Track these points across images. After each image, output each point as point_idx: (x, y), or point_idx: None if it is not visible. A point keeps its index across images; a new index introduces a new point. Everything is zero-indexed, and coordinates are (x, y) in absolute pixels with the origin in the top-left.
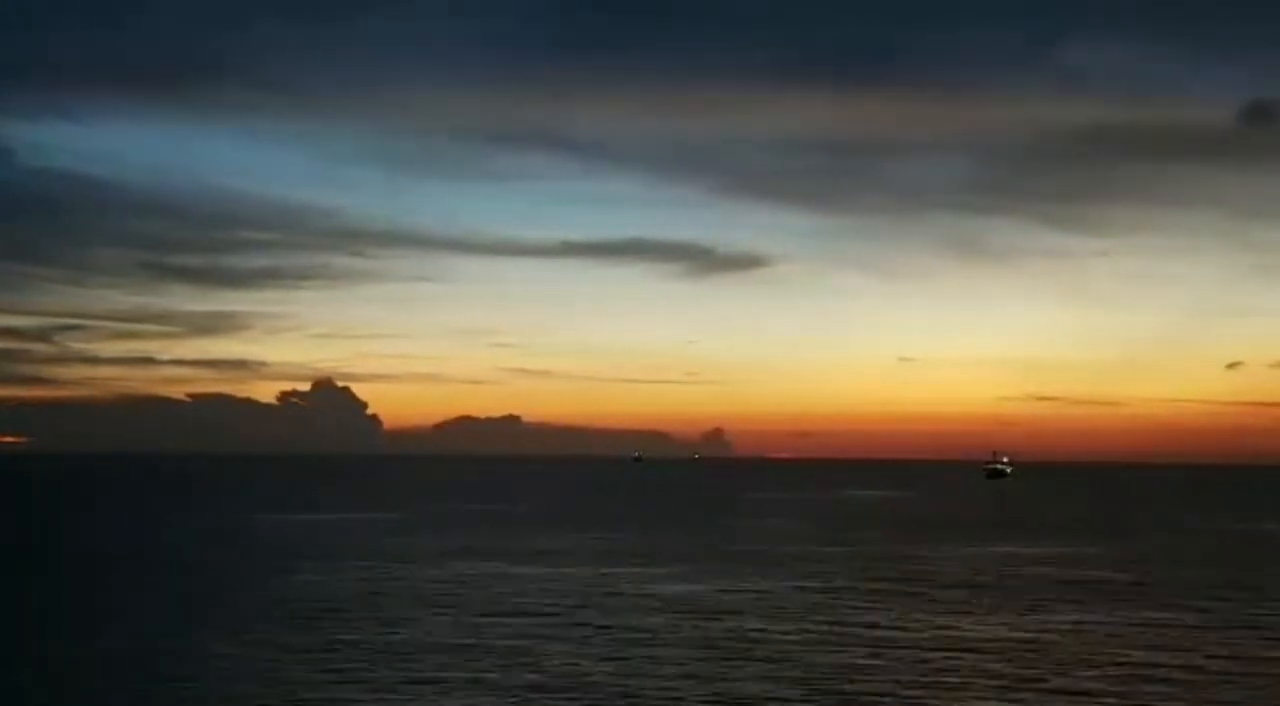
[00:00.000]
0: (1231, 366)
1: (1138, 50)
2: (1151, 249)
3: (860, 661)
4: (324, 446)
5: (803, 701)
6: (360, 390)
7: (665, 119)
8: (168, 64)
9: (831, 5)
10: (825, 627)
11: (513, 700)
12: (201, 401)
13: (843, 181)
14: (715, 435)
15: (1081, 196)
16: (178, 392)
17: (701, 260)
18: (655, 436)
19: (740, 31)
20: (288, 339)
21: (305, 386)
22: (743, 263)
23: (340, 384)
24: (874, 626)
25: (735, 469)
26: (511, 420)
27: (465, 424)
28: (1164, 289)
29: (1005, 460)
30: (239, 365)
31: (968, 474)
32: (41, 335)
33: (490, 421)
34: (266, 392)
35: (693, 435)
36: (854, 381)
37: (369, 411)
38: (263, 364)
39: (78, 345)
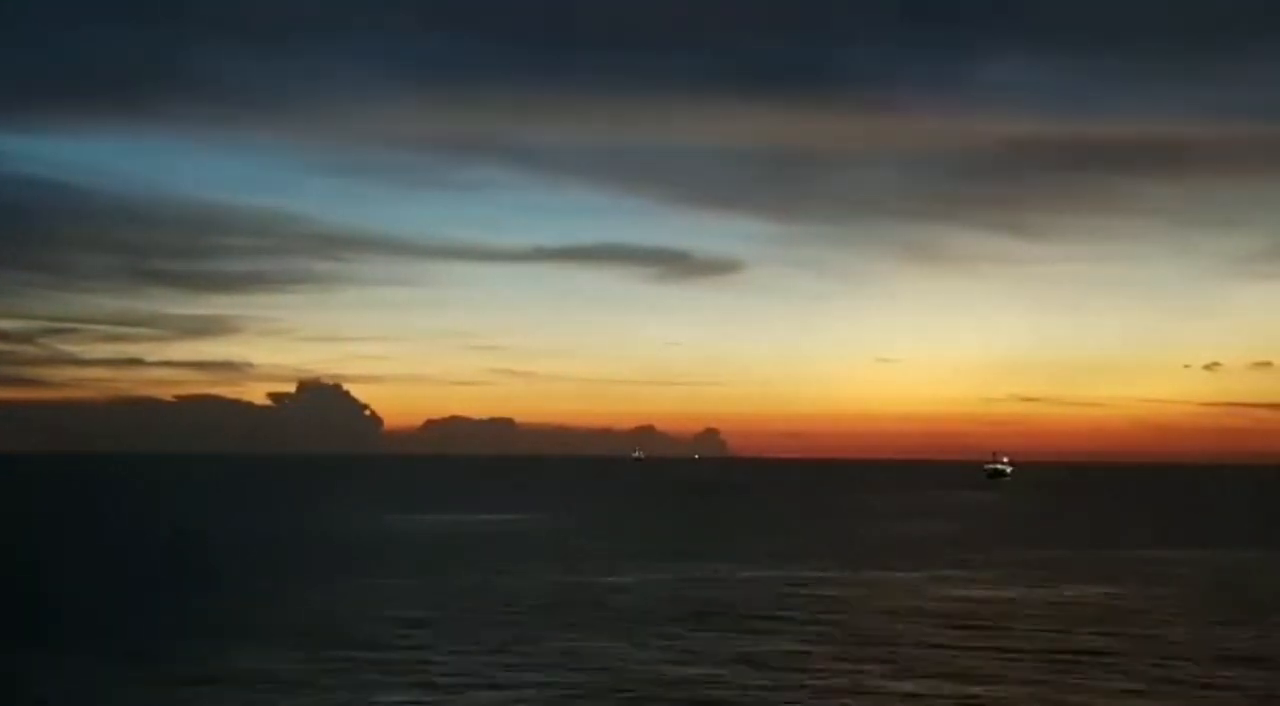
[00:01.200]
0: (1209, 367)
1: (1057, 67)
2: (1097, 255)
3: None
4: (319, 446)
5: None
6: (352, 391)
7: (617, 132)
8: (130, 79)
9: (770, 25)
10: None
11: None
12: (191, 402)
13: (792, 190)
14: (709, 435)
15: (1018, 204)
16: (166, 394)
17: (677, 264)
18: (647, 436)
19: (685, 49)
20: (274, 341)
21: (294, 387)
22: (717, 267)
23: (330, 383)
24: None
25: (742, 469)
26: (505, 421)
27: (456, 425)
28: (1119, 292)
29: (1005, 460)
30: (228, 367)
31: (969, 473)
32: (27, 337)
33: (483, 422)
34: (255, 393)
35: (684, 435)
36: (835, 382)
37: (369, 412)
38: (251, 365)
39: (65, 347)
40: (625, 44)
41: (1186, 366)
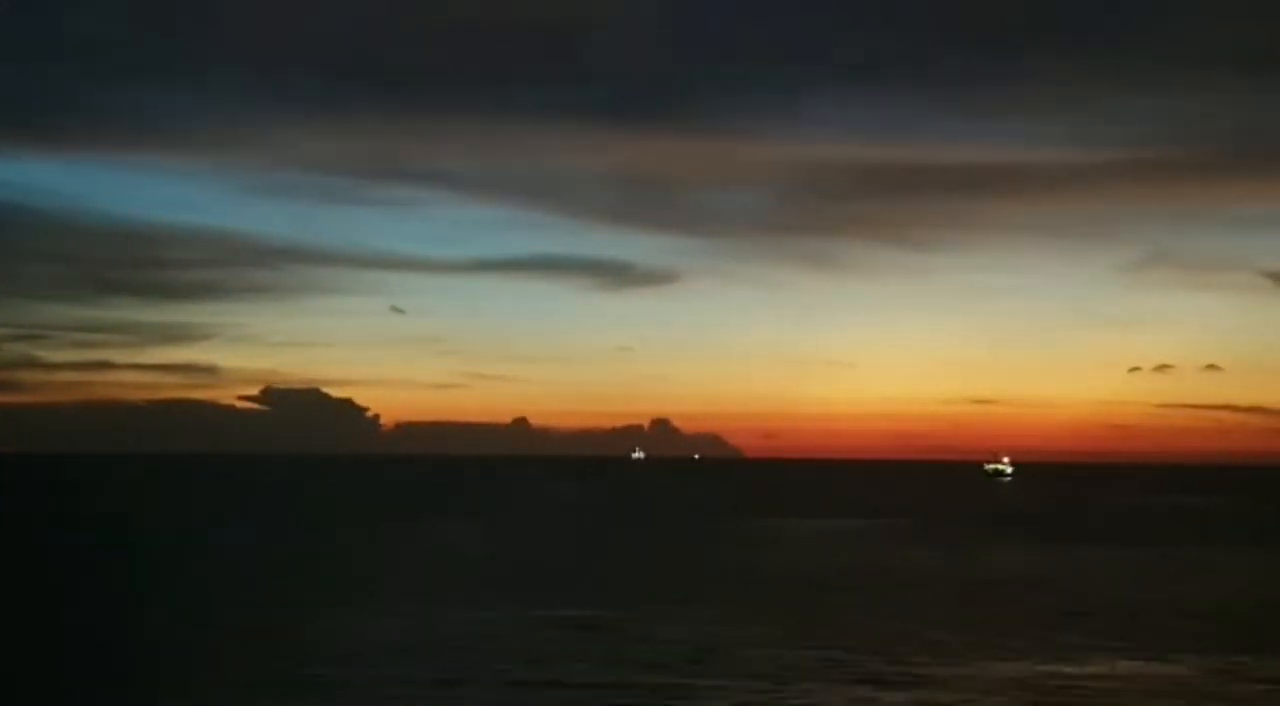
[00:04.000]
0: (1159, 369)
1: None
2: (990, 265)
3: None
4: (296, 448)
5: None
6: (325, 393)
7: (514, 157)
8: (49, 112)
9: (635, 66)
10: None
11: None
12: (161, 405)
13: (682, 209)
14: (709, 435)
15: (889, 220)
16: (136, 397)
17: (615, 274)
18: (638, 436)
19: (564, 82)
20: (240, 346)
21: (261, 389)
22: (653, 277)
23: (302, 387)
24: None
25: (750, 469)
26: (499, 422)
27: (444, 427)
28: (1026, 298)
29: (1006, 460)
30: (195, 369)
31: (947, 474)
32: None
33: (475, 424)
34: (226, 396)
35: (678, 435)
36: (792, 384)
37: (346, 413)
38: (218, 369)
39: (35, 353)
40: (518, 80)
41: (1135, 369)
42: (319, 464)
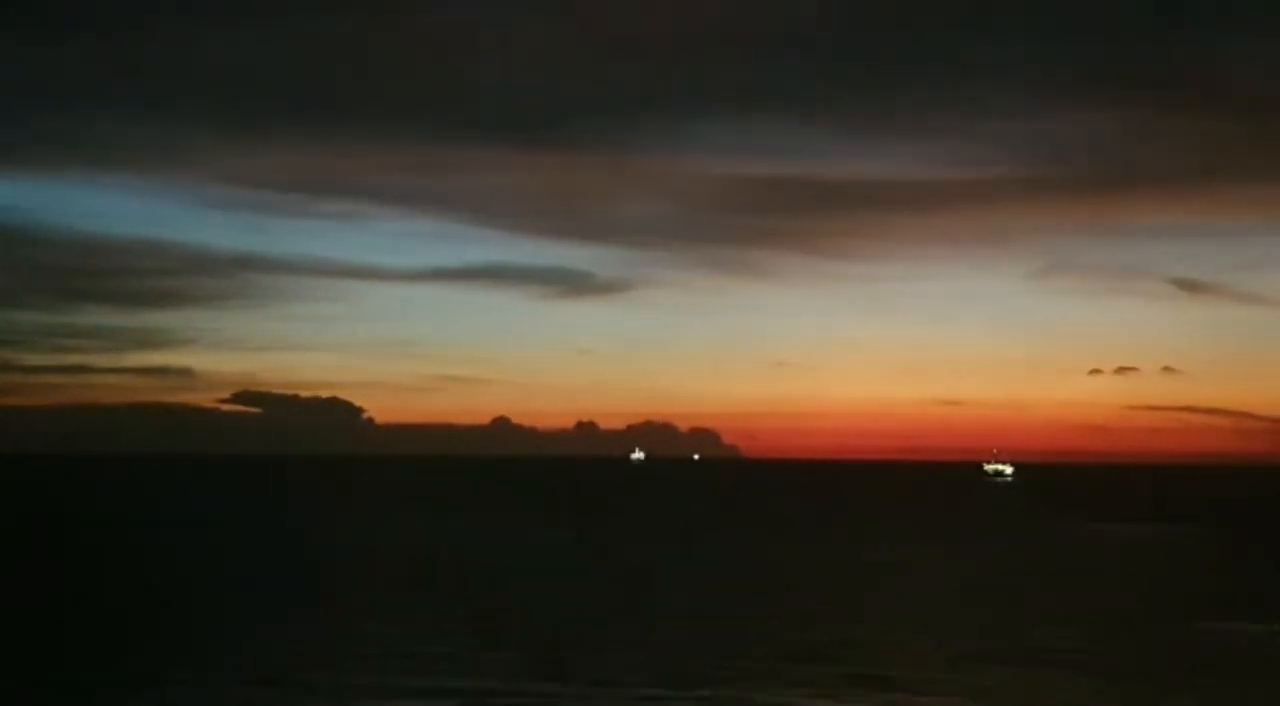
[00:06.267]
0: (1120, 371)
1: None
2: (918, 273)
3: None
4: (278, 450)
5: None
6: (304, 396)
7: (459, 174)
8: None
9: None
10: None
11: None
12: (139, 408)
13: (599, 221)
14: (705, 434)
15: (808, 232)
16: (115, 400)
17: (571, 283)
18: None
19: (464, 105)
20: (216, 351)
21: (236, 392)
22: (603, 286)
23: (280, 391)
24: None
25: (761, 471)
26: (494, 423)
27: (433, 428)
28: (959, 304)
29: (1005, 461)
30: (172, 372)
31: (929, 475)
32: None
33: (464, 426)
34: (204, 399)
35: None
36: (759, 386)
37: (366, 414)
38: (195, 372)
39: (11, 357)
40: (429, 105)
41: (1115, 370)
42: (334, 463)
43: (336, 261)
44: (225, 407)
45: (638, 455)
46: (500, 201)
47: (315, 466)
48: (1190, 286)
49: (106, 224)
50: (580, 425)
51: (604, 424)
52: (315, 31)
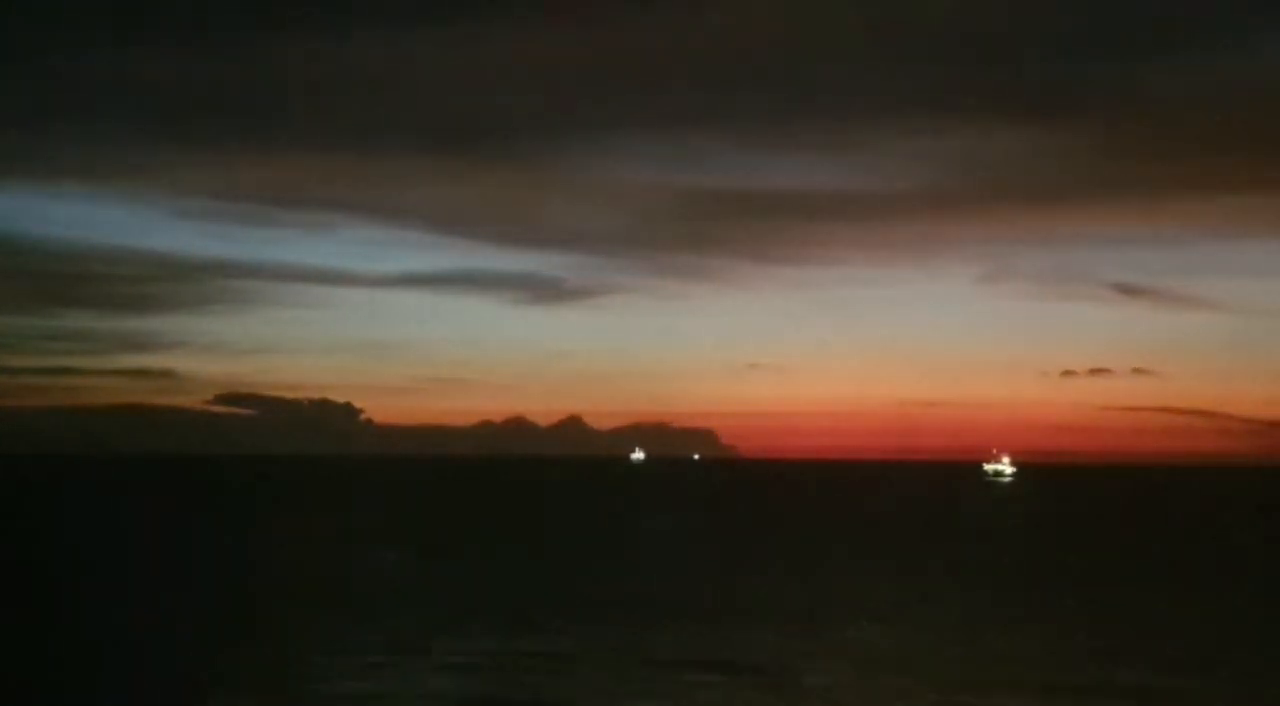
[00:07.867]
0: (1095, 372)
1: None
2: (850, 279)
3: None
4: (264, 450)
5: None
6: (289, 397)
7: (419, 187)
8: None
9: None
10: None
11: None
12: (125, 409)
13: (553, 229)
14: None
15: (747, 242)
16: (100, 401)
17: (542, 288)
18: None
19: (445, 122)
20: (200, 354)
21: (223, 394)
22: (587, 291)
23: (267, 394)
24: None
25: (757, 470)
26: (489, 423)
27: (420, 430)
28: (895, 310)
29: (1006, 460)
30: (156, 374)
31: (913, 475)
32: None
33: (450, 427)
34: (190, 400)
35: (668, 437)
36: (737, 387)
37: (313, 417)
38: (180, 375)
39: None
40: (398, 124)
41: (1065, 372)
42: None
43: (307, 267)
44: (212, 409)
45: (638, 455)
46: (459, 212)
47: (282, 467)
48: (1129, 290)
49: (85, 232)
50: (568, 425)
51: (594, 424)
52: (280, 53)
